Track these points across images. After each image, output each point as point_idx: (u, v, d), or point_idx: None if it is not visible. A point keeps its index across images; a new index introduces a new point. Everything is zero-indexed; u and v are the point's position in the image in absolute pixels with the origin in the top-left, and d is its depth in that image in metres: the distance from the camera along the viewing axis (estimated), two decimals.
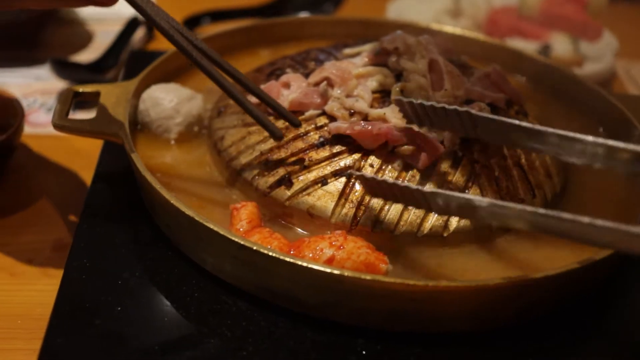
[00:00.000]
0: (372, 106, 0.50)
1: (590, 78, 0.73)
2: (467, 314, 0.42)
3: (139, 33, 0.83)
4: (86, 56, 0.79)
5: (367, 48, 0.58)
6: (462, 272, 0.44)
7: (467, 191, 0.47)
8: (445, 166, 0.48)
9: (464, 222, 0.46)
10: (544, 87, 0.66)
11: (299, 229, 0.47)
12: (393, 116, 0.48)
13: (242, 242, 0.40)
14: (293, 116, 0.49)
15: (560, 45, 0.78)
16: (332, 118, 0.50)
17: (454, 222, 0.46)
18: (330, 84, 0.52)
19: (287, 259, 0.39)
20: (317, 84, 0.53)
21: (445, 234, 0.46)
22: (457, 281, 0.41)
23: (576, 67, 0.76)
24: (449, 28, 0.76)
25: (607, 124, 0.60)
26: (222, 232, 0.41)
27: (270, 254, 0.40)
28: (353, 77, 0.53)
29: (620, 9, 0.97)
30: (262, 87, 0.52)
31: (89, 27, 0.87)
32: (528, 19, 0.83)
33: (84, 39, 0.84)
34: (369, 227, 0.46)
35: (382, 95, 0.52)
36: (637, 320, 0.46)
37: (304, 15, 0.89)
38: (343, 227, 0.46)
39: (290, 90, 0.53)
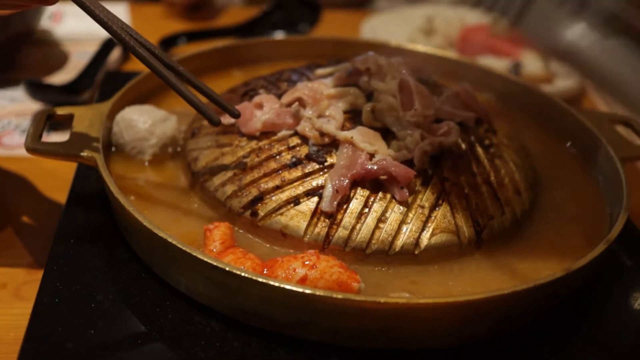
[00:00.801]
0: (343, 126, 0.51)
1: (561, 95, 0.75)
2: (440, 330, 0.42)
3: (115, 54, 0.84)
4: (62, 77, 0.79)
5: (339, 68, 0.59)
6: (434, 288, 0.45)
7: (437, 209, 0.48)
8: (416, 185, 0.48)
9: (435, 240, 0.47)
10: (514, 104, 0.67)
11: (273, 247, 0.47)
12: (360, 140, 0.49)
13: (214, 264, 0.40)
14: (232, 106, 0.50)
15: (531, 63, 0.80)
16: (305, 138, 0.51)
17: (424, 239, 0.47)
18: (303, 105, 0.53)
19: (260, 280, 0.40)
20: (289, 105, 0.54)
21: (416, 252, 0.46)
22: (428, 298, 0.42)
23: (547, 84, 0.77)
24: (421, 47, 0.77)
25: (576, 141, 0.61)
26: (194, 254, 0.41)
27: (242, 274, 0.40)
28: (325, 97, 0.53)
29: None
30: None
31: (64, 47, 0.87)
32: (500, 36, 0.85)
33: (60, 59, 0.84)
34: (342, 245, 0.46)
35: (354, 115, 0.53)
36: (617, 327, 0.46)
37: (279, 34, 0.90)
38: (316, 246, 0.46)
39: (263, 111, 0.53)
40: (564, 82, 0.79)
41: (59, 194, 0.58)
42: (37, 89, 0.72)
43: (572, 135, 0.62)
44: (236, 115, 0.50)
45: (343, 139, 0.50)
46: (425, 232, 0.47)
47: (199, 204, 0.51)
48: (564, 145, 0.62)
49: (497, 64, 0.80)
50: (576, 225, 0.52)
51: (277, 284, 0.40)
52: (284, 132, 0.52)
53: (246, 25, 0.91)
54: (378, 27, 0.91)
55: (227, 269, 0.40)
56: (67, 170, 0.58)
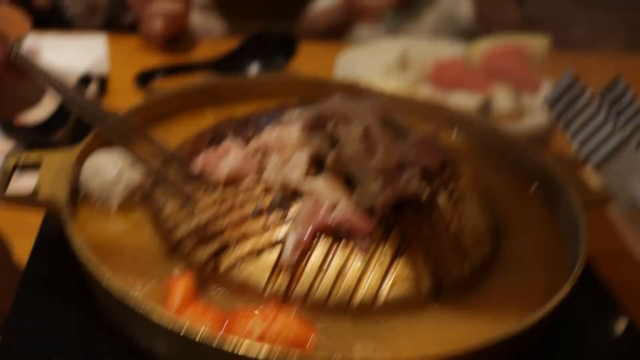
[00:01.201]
0: (308, 174, 0.52)
1: (531, 132, 0.76)
2: None
3: (91, 89, 0.84)
4: (37, 114, 0.79)
5: (306, 113, 0.59)
6: (396, 341, 0.45)
7: (397, 259, 0.48)
8: (377, 235, 0.49)
9: (395, 291, 0.47)
10: (481, 145, 0.68)
11: (236, 299, 0.48)
12: (323, 189, 0.50)
13: (170, 325, 0.41)
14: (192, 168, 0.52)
15: (502, 99, 0.81)
16: (269, 187, 0.51)
17: (385, 291, 0.47)
18: (268, 151, 0.54)
19: (214, 344, 0.40)
20: (255, 151, 0.54)
21: (377, 303, 0.47)
22: (387, 355, 0.42)
23: (516, 122, 0.78)
24: (393, 84, 0.78)
25: (541, 184, 0.62)
26: (151, 313, 0.41)
27: (196, 339, 0.40)
28: (290, 144, 0.54)
29: (563, 58, 1.00)
30: (202, 156, 0.54)
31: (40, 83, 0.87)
32: (473, 70, 0.86)
33: (35, 96, 0.85)
34: (302, 299, 0.47)
35: (319, 162, 0.53)
36: None
37: (255, 68, 0.91)
38: (277, 298, 0.47)
39: (228, 159, 0.54)
40: (534, 118, 0.80)
41: (26, 241, 0.57)
42: (10, 129, 0.73)
43: (537, 178, 0.63)
44: (195, 178, 0.51)
45: (306, 189, 0.50)
46: (385, 283, 0.47)
47: (164, 255, 0.51)
48: (528, 188, 0.63)
49: (469, 100, 0.81)
50: (537, 273, 0.53)
51: (230, 350, 0.40)
52: (248, 181, 0.52)
53: (223, 59, 0.91)
54: (353, 61, 0.92)
55: (181, 332, 0.40)
56: (33, 217, 0.58)
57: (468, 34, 1.28)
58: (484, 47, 0.86)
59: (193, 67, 0.89)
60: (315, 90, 0.71)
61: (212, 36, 1.25)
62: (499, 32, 1.14)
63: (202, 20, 1.23)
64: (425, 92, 0.87)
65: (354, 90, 0.70)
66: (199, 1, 1.27)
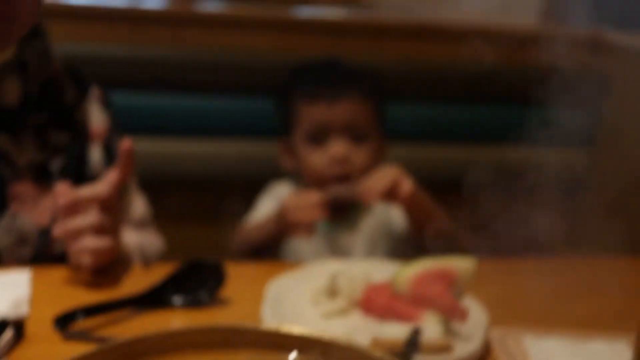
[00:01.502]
0: None
1: None
2: None
3: (6, 335, 0.80)
4: None
5: None
6: None
7: None
8: None
9: None
10: None
11: None
12: None
13: None
14: None
15: (431, 327, 0.79)
16: None
17: None
18: None
19: None
20: None
21: None
22: None
23: (446, 353, 0.76)
24: (322, 312, 0.76)
25: None
26: None
27: None
28: None
29: (488, 270, 1.01)
30: None
31: None
32: (401, 297, 0.85)
33: None
34: None
35: None
36: None
37: (179, 301, 0.89)
38: None
39: None
40: (465, 346, 0.78)
41: None
42: None
43: None
44: None
45: None
46: None
47: None
48: None
49: (399, 330, 0.79)
50: None
51: None
52: None
53: (147, 294, 0.89)
54: (282, 288, 0.91)
55: None
56: None
57: (403, 245, 1.31)
58: (410, 273, 0.86)
59: (116, 305, 0.87)
60: (238, 338, 0.69)
61: (149, 256, 1.24)
62: (431, 244, 1.16)
63: (138, 239, 1.22)
64: (356, 319, 0.86)
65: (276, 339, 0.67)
66: (137, 217, 1.28)
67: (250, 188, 1.71)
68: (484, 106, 2.00)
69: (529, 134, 2.00)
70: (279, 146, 1.43)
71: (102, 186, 0.92)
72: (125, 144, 0.93)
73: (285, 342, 0.61)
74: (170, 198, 1.88)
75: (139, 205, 1.29)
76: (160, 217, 1.48)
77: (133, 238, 1.21)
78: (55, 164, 1.06)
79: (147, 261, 1.23)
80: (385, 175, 1.22)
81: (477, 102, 1.97)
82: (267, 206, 1.40)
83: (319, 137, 1.34)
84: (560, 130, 2.04)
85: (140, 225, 1.30)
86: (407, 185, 1.20)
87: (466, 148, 1.99)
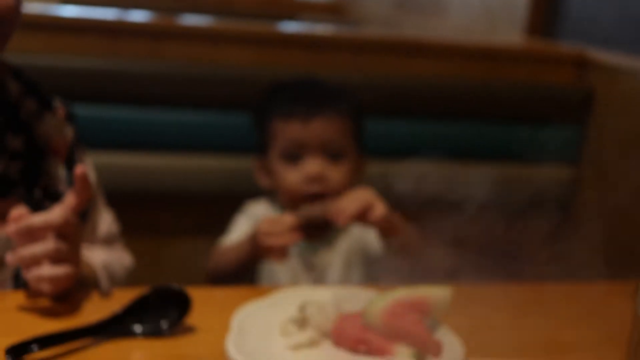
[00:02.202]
0: None
1: None
2: None
3: None
4: None
5: None
6: None
7: None
8: None
9: None
10: None
11: None
12: None
13: None
14: None
15: None
16: None
17: None
18: None
19: None
20: None
21: None
22: None
23: None
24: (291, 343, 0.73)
25: None
26: None
27: None
28: None
29: (463, 299, 0.97)
30: None
31: None
32: (373, 330, 0.81)
33: None
34: None
35: None
36: None
37: (139, 330, 0.85)
38: None
39: None
40: None
41: None
42: None
43: None
44: None
45: None
46: None
47: None
48: None
49: None
50: None
51: None
52: None
53: (105, 322, 0.85)
54: (250, 316, 0.86)
55: None
56: None
57: (379, 265, 1.27)
58: (382, 304, 0.82)
59: (72, 335, 0.82)
60: None
61: (117, 274, 1.20)
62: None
63: (105, 257, 1.18)
64: (326, 351, 0.82)
65: None
66: (103, 235, 1.23)
67: (229, 204, 1.67)
68: (467, 122, 1.97)
69: (513, 150, 1.98)
70: (254, 164, 1.41)
71: (56, 213, 0.88)
72: (78, 170, 0.89)
73: None
74: (149, 213, 1.84)
75: (105, 222, 1.24)
76: (135, 233, 1.44)
77: (100, 257, 1.17)
78: (14, 170, 1.01)
79: (115, 280, 1.19)
80: (357, 198, 1.19)
81: (460, 118, 1.95)
82: (242, 226, 1.36)
83: (294, 155, 1.31)
84: (544, 147, 2.02)
85: (107, 243, 1.25)
86: (379, 209, 1.18)
87: (449, 164, 1.96)
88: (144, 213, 1.84)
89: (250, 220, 1.36)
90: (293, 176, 1.30)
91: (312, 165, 1.29)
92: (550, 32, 2.39)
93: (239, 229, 1.36)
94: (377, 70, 1.90)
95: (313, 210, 1.24)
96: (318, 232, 1.33)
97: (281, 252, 1.17)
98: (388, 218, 1.19)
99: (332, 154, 1.31)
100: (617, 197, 1.93)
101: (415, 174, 1.91)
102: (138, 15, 1.92)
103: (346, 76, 1.73)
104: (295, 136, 1.31)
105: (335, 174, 1.30)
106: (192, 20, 2.03)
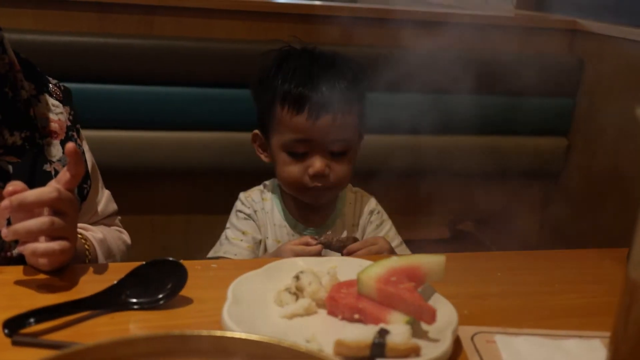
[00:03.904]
0: None
1: None
2: None
3: None
4: None
5: None
6: None
7: None
8: None
9: None
10: None
11: None
12: None
13: None
14: None
15: (397, 329, 0.76)
16: None
17: None
18: None
19: None
20: None
21: None
22: None
23: (413, 356, 0.73)
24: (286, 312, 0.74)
25: None
26: None
27: None
28: None
29: (457, 267, 0.98)
30: None
31: None
32: (366, 298, 0.82)
33: None
34: None
35: None
36: None
37: (136, 303, 0.85)
38: None
39: None
40: (433, 349, 0.75)
41: None
42: None
43: None
44: None
45: None
46: None
47: None
48: None
49: (365, 332, 0.76)
50: None
51: None
52: None
53: (104, 294, 0.85)
54: (245, 287, 0.87)
55: None
56: None
57: None
58: (376, 272, 0.83)
59: (69, 307, 0.83)
60: (188, 345, 0.65)
61: (115, 251, 1.20)
62: None
63: (103, 235, 1.18)
64: (320, 320, 0.83)
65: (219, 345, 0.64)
66: (100, 213, 1.24)
67: (226, 179, 1.67)
68: (460, 95, 1.97)
69: (504, 122, 1.99)
70: (252, 139, 1.39)
71: (49, 188, 0.88)
72: (69, 146, 0.89)
73: (229, 347, 0.58)
74: (143, 190, 1.84)
75: (102, 202, 1.25)
76: (130, 210, 1.44)
77: (97, 234, 1.17)
78: (10, 165, 1.02)
79: (113, 257, 1.20)
80: (371, 250, 1.20)
81: (451, 91, 1.94)
82: (242, 225, 1.35)
83: (298, 149, 1.28)
84: (535, 118, 2.03)
85: (105, 222, 1.26)
86: None
87: (438, 138, 1.96)
88: (139, 190, 1.84)
89: (249, 214, 1.35)
90: (296, 169, 1.28)
91: (317, 165, 1.26)
92: (540, 7, 2.38)
93: (238, 230, 1.35)
94: (369, 42, 1.89)
95: (330, 242, 1.21)
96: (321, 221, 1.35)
97: None
98: None
99: (338, 151, 1.28)
100: (606, 164, 1.93)
101: (407, 147, 1.92)
102: None
103: (339, 49, 1.73)
104: (302, 134, 1.25)
105: (339, 167, 1.28)
106: None
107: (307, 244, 1.19)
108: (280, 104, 1.27)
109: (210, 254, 1.34)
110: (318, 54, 1.33)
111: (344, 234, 1.34)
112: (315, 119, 1.24)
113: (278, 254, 1.20)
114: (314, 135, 1.25)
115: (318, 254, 1.18)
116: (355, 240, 1.24)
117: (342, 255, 1.21)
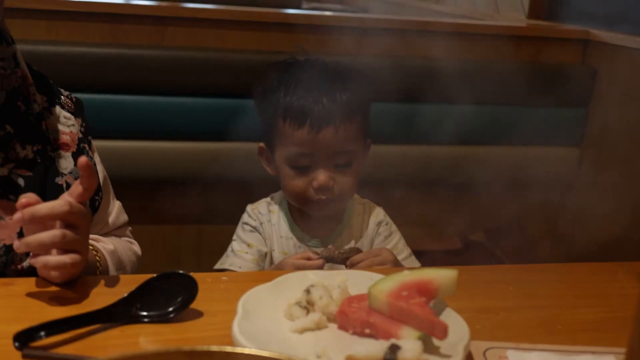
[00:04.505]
0: None
1: None
2: None
3: None
4: None
5: None
6: None
7: None
8: None
9: None
10: None
11: None
12: None
13: None
14: None
15: (409, 344, 0.75)
16: None
17: None
18: None
19: None
20: None
21: None
22: None
23: None
24: (296, 327, 0.73)
25: None
26: None
27: None
28: None
29: (469, 280, 0.97)
30: None
31: None
32: (377, 313, 0.81)
33: None
34: None
35: None
36: None
37: (147, 318, 0.85)
38: None
39: None
40: None
41: None
42: None
43: None
44: None
45: None
46: None
47: None
48: None
49: (376, 347, 0.75)
50: None
51: None
52: None
53: (114, 308, 0.85)
54: (256, 301, 0.86)
55: None
56: None
57: None
58: (387, 286, 0.82)
59: (79, 321, 0.82)
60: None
61: (125, 263, 1.20)
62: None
63: (113, 247, 1.18)
64: (331, 334, 0.83)
65: None
66: (111, 225, 1.24)
67: (236, 190, 1.67)
68: (473, 105, 1.96)
69: (516, 133, 1.98)
70: (259, 152, 1.38)
71: (61, 201, 0.88)
72: (82, 160, 0.89)
73: None
74: (155, 201, 1.84)
75: (114, 213, 1.25)
76: (141, 221, 1.44)
77: (109, 246, 1.17)
78: (22, 178, 1.02)
79: (123, 269, 1.20)
80: (375, 261, 1.20)
81: (465, 101, 1.94)
82: (247, 238, 1.35)
83: (301, 163, 1.27)
84: (547, 129, 2.01)
85: (116, 233, 1.26)
86: None
87: (452, 148, 1.95)
88: (150, 200, 1.84)
89: (255, 227, 1.35)
90: (301, 183, 1.27)
91: (321, 178, 1.25)
92: (552, 17, 2.37)
93: (244, 242, 1.35)
94: (380, 53, 1.89)
95: (332, 254, 1.21)
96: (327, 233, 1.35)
97: None
98: None
99: (342, 163, 1.27)
100: (619, 175, 1.92)
101: (419, 157, 1.91)
102: (141, 1, 1.92)
103: (350, 60, 1.73)
104: (305, 148, 1.24)
105: (344, 178, 1.27)
106: (196, 5, 2.02)
107: (309, 259, 1.18)
108: (282, 117, 1.26)
109: (217, 266, 1.34)
110: (321, 65, 1.31)
111: (351, 244, 1.33)
112: (317, 132, 1.23)
113: (280, 269, 1.20)
114: (317, 149, 1.24)
115: (320, 268, 1.18)
116: (359, 251, 1.23)
117: (346, 267, 1.21)
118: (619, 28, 2.00)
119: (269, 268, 1.28)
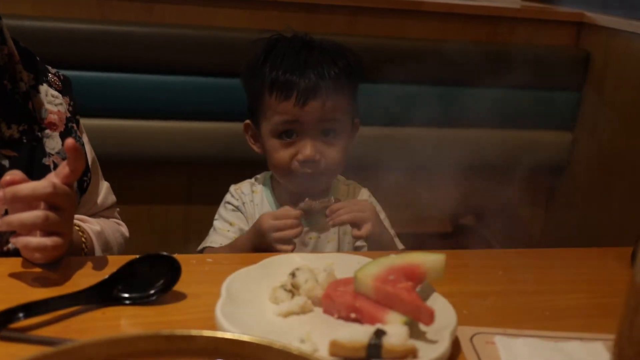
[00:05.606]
0: None
1: None
2: None
3: None
4: None
5: None
6: None
7: None
8: None
9: None
10: None
11: None
12: None
13: None
14: None
15: (395, 329, 0.74)
16: None
17: None
18: None
19: None
20: None
21: None
22: None
23: (410, 357, 0.71)
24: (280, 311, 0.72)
25: None
26: None
27: None
28: None
29: (457, 265, 0.96)
30: None
31: None
32: (363, 297, 0.80)
33: None
34: None
35: None
36: None
37: (128, 298, 0.83)
38: None
39: None
40: (430, 351, 0.73)
41: None
42: None
43: None
44: None
45: None
46: None
47: None
48: None
49: (361, 332, 0.74)
50: None
51: None
52: None
53: (93, 289, 0.83)
54: (240, 284, 0.85)
55: None
56: None
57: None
58: (373, 270, 0.81)
59: (59, 302, 0.81)
60: (175, 345, 0.64)
61: (112, 244, 1.18)
62: None
63: (100, 227, 1.16)
64: (316, 319, 0.81)
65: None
66: (99, 205, 1.22)
67: (225, 169, 1.65)
68: (464, 87, 1.95)
69: (508, 116, 1.96)
70: (244, 129, 1.37)
71: (45, 182, 0.86)
72: (68, 142, 0.86)
73: (220, 347, 0.56)
74: (141, 180, 1.82)
75: (102, 194, 1.23)
76: (127, 200, 1.42)
77: (95, 227, 1.15)
78: (7, 159, 1.00)
79: (110, 250, 1.18)
80: (354, 209, 1.21)
81: (456, 83, 1.92)
82: (229, 217, 1.34)
83: (288, 134, 1.26)
84: (540, 112, 2.00)
85: (104, 214, 1.24)
86: (365, 230, 1.19)
87: (441, 130, 1.94)
88: (137, 179, 1.82)
89: (237, 206, 1.34)
90: (286, 155, 1.26)
91: (307, 148, 1.24)
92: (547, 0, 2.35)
93: (226, 221, 1.33)
94: (373, 33, 1.86)
95: (311, 205, 1.21)
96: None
97: (289, 244, 1.17)
98: (370, 235, 1.20)
99: (328, 134, 1.26)
100: (612, 159, 1.91)
101: (410, 139, 1.89)
102: None
103: (342, 40, 1.71)
104: (290, 118, 1.23)
105: (330, 152, 1.26)
106: None
107: (287, 214, 1.18)
108: (269, 91, 1.25)
109: (200, 247, 1.33)
110: (309, 40, 1.31)
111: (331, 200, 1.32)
112: (303, 105, 1.22)
113: (257, 226, 1.19)
114: (303, 118, 1.23)
115: (297, 219, 1.18)
116: (338, 201, 1.23)
117: (326, 216, 1.21)
118: (614, 12, 1.97)
119: (247, 236, 1.25)
